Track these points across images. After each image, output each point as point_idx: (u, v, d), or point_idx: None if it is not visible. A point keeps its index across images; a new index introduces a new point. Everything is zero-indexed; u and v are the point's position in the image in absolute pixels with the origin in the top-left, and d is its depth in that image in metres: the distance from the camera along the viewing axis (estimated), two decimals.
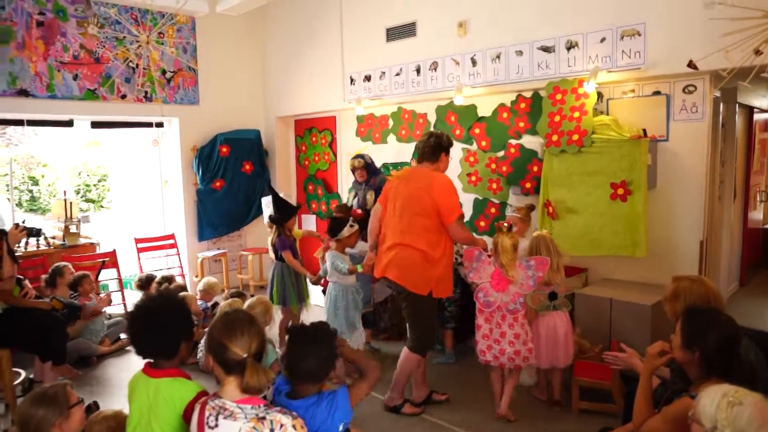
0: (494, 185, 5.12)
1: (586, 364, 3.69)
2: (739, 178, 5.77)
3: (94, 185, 14.06)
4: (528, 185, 4.79)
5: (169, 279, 5.35)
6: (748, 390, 1.62)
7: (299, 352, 2.01)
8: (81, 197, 13.40)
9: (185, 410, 1.98)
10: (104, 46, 5.84)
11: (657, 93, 4.15)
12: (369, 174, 5.01)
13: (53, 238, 5.86)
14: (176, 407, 1.98)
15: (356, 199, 5.06)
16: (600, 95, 4.35)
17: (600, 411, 3.52)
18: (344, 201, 5.80)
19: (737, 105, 5.19)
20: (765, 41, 2.88)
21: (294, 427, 1.76)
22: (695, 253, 4.06)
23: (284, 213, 4.69)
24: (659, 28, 3.90)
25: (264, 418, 1.74)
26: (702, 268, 4.07)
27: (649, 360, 2.22)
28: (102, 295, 5.12)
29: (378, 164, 6.18)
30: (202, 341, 4.39)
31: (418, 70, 5.45)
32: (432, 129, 5.54)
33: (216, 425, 1.76)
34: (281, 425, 1.74)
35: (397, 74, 5.64)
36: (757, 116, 6.06)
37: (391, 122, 5.99)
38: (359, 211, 4.92)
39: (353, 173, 5.07)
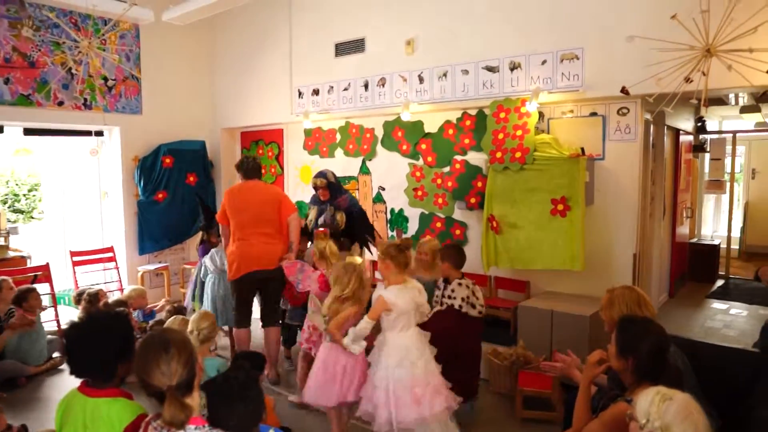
0: (440, 200, 5.23)
1: (529, 374, 3.82)
2: (668, 196, 6.13)
3: (24, 195, 13.32)
4: (473, 200, 4.92)
5: (94, 296, 5.08)
6: (679, 390, 1.74)
7: (222, 412, 1.76)
8: (8, 207, 12.65)
9: None
10: (40, 50, 5.60)
11: (594, 114, 4.38)
12: (332, 192, 4.72)
13: None
14: (114, 428, 1.89)
15: (322, 217, 4.71)
16: (541, 115, 4.55)
17: (542, 419, 3.64)
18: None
19: (665, 127, 5.54)
20: (696, 70, 3.10)
21: None
22: (629, 266, 4.29)
23: (207, 220, 5.18)
24: (596, 53, 4.14)
25: None
26: (635, 280, 4.29)
27: (589, 368, 2.33)
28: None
29: None
30: None
31: (366, 86, 5.52)
32: (380, 144, 5.64)
33: None
34: None
35: (345, 89, 5.69)
36: (682, 138, 6.47)
37: (338, 136, 6.02)
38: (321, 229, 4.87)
39: (315, 191, 4.78)
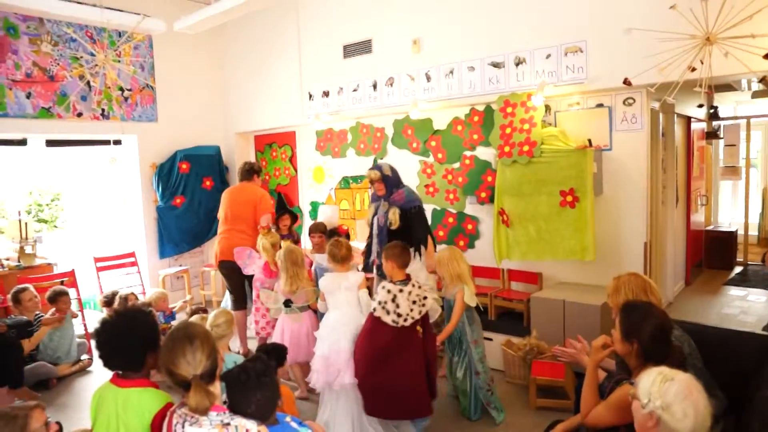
0: (451, 195, 5.30)
1: (542, 364, 3.88)
2: (681, 184, 6.13)
3: (47, 205, 13.65)
4: (483, 195, 4.98)
5: (125, 298, 5.28)
6: (681, 371, 1.80)
7: (240, 400, 1.90)
8: (33, 217, 12.98)
9: (153, 420, 2.03)
10: (59, 64, 5.79)
11: (600, 105, 4.41)
12: (388, 187, 4.28)
13: (7, 259, 5.73)
14: (144, 417, 2.02)
15: (375, 216, 4.35)
16: (548, 108, 4.59)
17: (556, 407, 3.69)
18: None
19: (675, 115, 5.54)
20: (697, 58, 3.13)
21: None
22: (640, 254, 4.32)
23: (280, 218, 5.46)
24: (599, 45, 4.17)
25: (228, 423, 1.80)
26: (646, 268, 4.32)
27: (594, 353, 2.39)
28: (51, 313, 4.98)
29: (337, 177, 6.32)
30: None
31: (374, 86, 5.61)
32: (390, 143, 5.73)
33: None
34: (246, 430, 1.80)
35: (355, 90, 5.78)
36: (694, 125, 6.45)
37: (349, 136, 6.12)
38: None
39: (371, 186, 4.41)
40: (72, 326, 4.99)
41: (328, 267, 3.80)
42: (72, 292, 5.45)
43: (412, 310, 3.19)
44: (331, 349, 3.36)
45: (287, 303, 4.06)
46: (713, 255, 7.18)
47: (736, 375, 2.70)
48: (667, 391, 1.70)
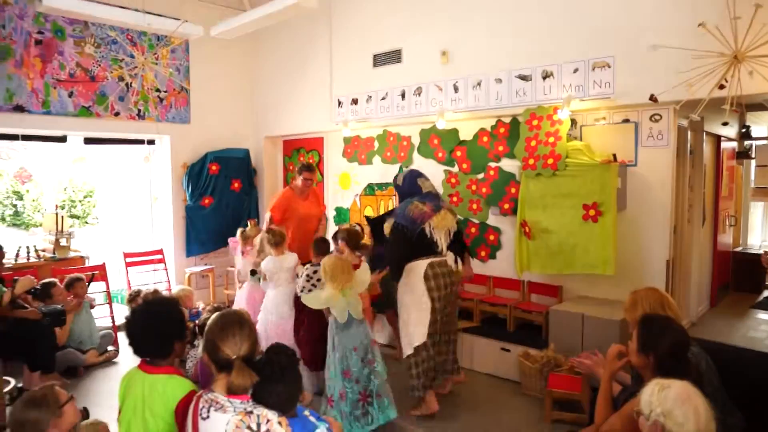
0: (474, 206, 5.34)
1: (559, 377, 3.88)
2: (708, 203, 6.04)
3: (80, 201, 14.07)
4: (506, 206, 5.01)
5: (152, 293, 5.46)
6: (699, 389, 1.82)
7: (263, 390, 1.98)
8: (66, 213, 13.39)
9: (177, 406, 2.12)
10: (100, 65, 6.02)
11: (626, 121, 4.42)
12: (399, 197, 4.24)
13: (43, 250, 5.95)
14: (169, 402, 2.12)
15: None
16: (573, 122, 4.61)
17: (571, 421, 3.69)
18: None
19: (704, 134, 5.49)
20: (724, 77, 3.13)
21: (279, 423, 1.90)
22: (662, 272, 4.29)
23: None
24: (627, 61, 4.18)
25: (251, 412, 1.88)
26: (668, 286, 4.28)
27: (609, 362, 2.41)
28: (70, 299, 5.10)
29: (363, 184, 6.41)
30: (190, 354, 4.51)
31: (403, 95, 5.69)
32: (416, 152, 5.80)
33: (208, 416, 1.90)
34: (267, 420, 1.88)
35: (383, 98, 5.88)
36: (724, 144, 6.37)
37: (376, 144, 6.21)
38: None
39: None
40: (90, 313, 5.21)
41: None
42: (102, 285, 5.65)
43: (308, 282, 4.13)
44: (268, 320, 4.40)
45: (253, 272, 4.99)
46: (741, 277, 7.04)
47: (756, 396, 2.68)
48: (666, 398, 1.73)
